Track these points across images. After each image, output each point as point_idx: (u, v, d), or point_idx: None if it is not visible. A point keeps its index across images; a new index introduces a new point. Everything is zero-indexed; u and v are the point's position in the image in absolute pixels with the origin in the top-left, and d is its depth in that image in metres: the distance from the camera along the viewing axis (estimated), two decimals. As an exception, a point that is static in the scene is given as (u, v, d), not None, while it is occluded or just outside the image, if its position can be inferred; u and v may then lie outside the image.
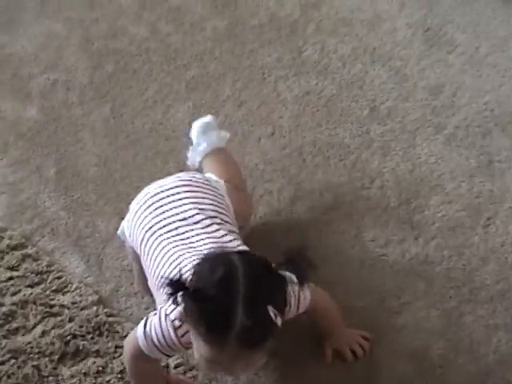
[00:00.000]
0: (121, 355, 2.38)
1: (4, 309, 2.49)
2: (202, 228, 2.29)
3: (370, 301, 2.47)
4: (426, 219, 2.65)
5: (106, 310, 2.49)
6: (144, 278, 2.43)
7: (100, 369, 2.37)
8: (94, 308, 2.49)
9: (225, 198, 2.43)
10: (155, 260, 2.29)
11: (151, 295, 2.41)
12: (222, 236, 2.27)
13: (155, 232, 2.32)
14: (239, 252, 2.12)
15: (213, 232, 2.28)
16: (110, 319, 2.47)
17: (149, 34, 3.21)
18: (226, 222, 2.34)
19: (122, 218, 2.54)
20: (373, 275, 2.53)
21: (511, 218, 2.64)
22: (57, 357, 2.40)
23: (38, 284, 2.56)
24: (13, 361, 2.39)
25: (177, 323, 2.11)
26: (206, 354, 2.02)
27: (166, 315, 2.13)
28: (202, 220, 2.30)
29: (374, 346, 2.36)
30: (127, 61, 3.13)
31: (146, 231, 2.33)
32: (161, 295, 2.19)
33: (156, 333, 2.14)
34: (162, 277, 2.19)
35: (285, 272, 2.03)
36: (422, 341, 2.39)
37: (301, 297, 2.17)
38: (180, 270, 2.12)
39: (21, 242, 2.65)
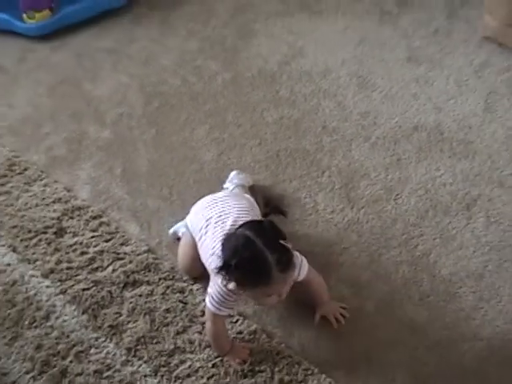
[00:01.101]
0: (163, 284, 2.42)
1: (89, 255, 2.53)
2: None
3: (322, 247, 2.51)
4: (358, 195, 2.68)
5: (153, 256, 2.52)
6: (195, 262, 2.36)
7: (149, 292, 2.41)
8: (145, 254, 2.52)
9: (250, 201, 2.40)
10: (209, 243, 2.24)
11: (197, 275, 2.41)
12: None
13: (209, 225, 2.27)
14: (242, 225, 2.10)
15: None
16: (156, 261, 2.50)
17: (181, 83, 3.23)
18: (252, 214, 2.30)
19: (164, 200, 2.65)
20: (324, 231, 2.57)
21: (412, 194, 2.67)
22: (122, 285, 2.44)
23: (109, 240, 2.58)
24: (94, 288, 2.43)
25: (228, 287, 2.08)
26: (265, 293, 2.05)
27: (218, 284, 2.11)
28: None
29: (324, 276, 2.35)
30: (167, 100, 3.15)
31: (204, 224, 2.29)
32: (211, 269, 2.18)
33: (217, 297, 2.12)
34: (213, 260, 2.13)
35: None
36: (355, 272, 2.44)
37: (302, 263, 2.18)
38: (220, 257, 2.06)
39: (99, 214, 2.68)
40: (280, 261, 1.99)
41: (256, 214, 2.32)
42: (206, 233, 2.26)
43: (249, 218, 2.21)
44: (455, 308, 2.33)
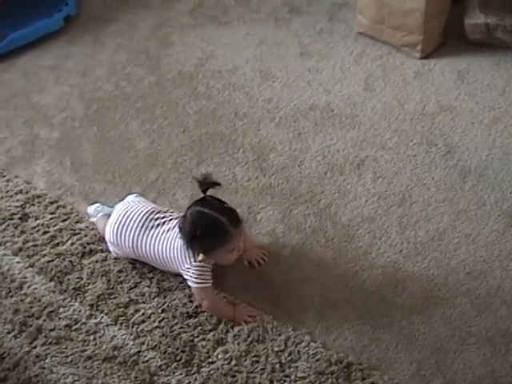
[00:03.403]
0: (112, 254, 2.41)
1: (50, 233, 2.51)
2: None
3: (243, 208, 2.55)
4: (269, 165, 2.74)
5: (104, 228, 2.52)
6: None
7: (103, 258, 2.42)
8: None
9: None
10: (154, 248, 2.22)
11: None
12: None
13: (139, 235, 2.25)
14: (190, 206, 2.12)
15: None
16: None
17: (114, 88, 3.19)
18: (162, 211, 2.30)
19: (109, 183, 2.65)
20: (243, 196, 2.61)
21: (312, 160, 2.74)
22: (80, 255, 2.43)
23: (66, 220, 2.56)
24: (57, 259, 2.43)
25: (198, 262, 2.12)
26: (229, 247, 2.09)
27: (191, 264, 2.14)
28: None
29: (246, 231, 2.38)
30: (104, 102, 3.11)
31: (133, 240, 2.26)
32: (177, 264, 2.17)
33: (197, 273, 2.14)
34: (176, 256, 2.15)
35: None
36: (271, 226, 2.50)
37: None
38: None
39: (55, 199, 2.64)
40: (231, 219, 2.07)
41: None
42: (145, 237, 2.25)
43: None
44: (355, 246, 2.42)
